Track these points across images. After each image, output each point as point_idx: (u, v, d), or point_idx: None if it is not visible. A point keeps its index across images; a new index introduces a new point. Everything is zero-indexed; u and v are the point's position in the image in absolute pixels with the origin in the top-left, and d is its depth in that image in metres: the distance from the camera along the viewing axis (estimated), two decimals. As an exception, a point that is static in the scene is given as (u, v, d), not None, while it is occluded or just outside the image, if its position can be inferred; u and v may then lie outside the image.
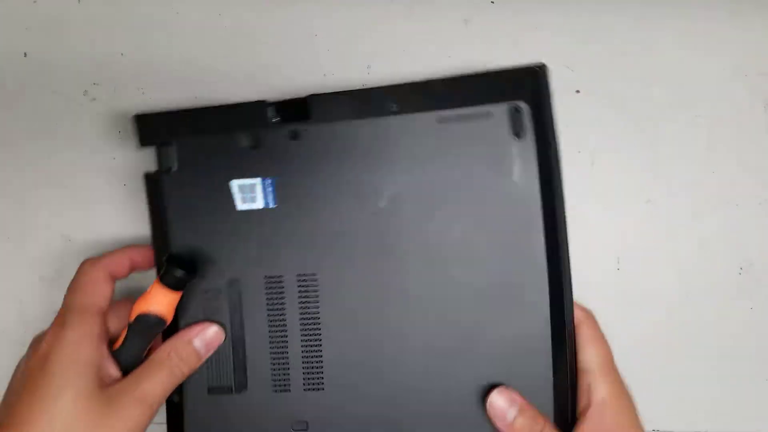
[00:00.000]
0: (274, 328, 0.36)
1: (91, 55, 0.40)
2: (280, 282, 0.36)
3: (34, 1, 0.41)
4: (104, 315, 0.34)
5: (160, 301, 0.34)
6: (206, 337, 0.35)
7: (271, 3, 0.41)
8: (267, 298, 0.36)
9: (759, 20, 0.43)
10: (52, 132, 0.40)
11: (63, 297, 0.35)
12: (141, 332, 0.34)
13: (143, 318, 0.33)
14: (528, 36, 0.41)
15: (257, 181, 0.36)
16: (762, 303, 0.39)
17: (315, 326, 0.36)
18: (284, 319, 0.36)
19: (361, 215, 0.36)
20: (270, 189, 0.36)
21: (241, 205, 0.36)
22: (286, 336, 0.36)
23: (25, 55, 0.41)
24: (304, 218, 0.36)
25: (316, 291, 0.36)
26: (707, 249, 0.39)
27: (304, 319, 0.36)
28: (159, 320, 0.34)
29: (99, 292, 0.34)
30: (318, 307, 0.36)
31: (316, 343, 0.36)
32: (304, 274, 0.36)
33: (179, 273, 0.34)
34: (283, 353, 0.36)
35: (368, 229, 0.36)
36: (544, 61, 0.35)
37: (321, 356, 0.36)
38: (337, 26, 0.41)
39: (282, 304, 0.36)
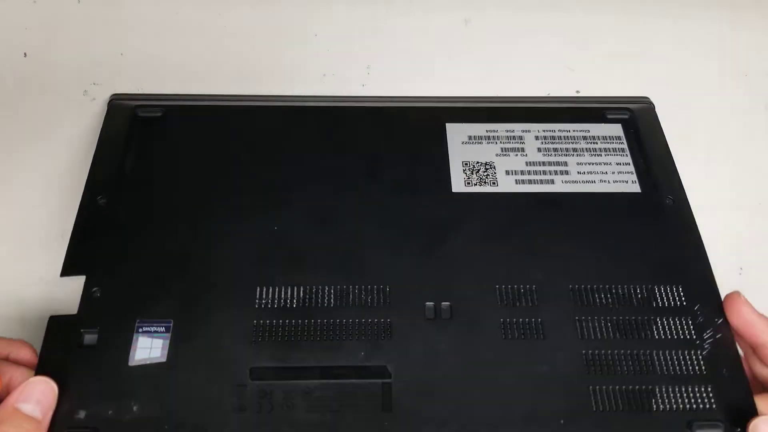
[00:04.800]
0: None
1: (91, 55, 0.40)
2: None
3: (34, 1, 0.41)
4: None
5: None
6: (34, 394, 0.28)
7: (272, 3, 0.41)
8: None
9: (759, 20, 0.43)
10: (51, 132, 0.40)
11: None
12: None
13: None
14: (528, 36, 0.41)
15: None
16: (762, 303, 0.39)
17: None
18: None
19: None
20: None
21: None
22: None
23: (25, 55, 0.41)
24: None
25: None
26: (707, 249, 0.39)
27: None
28: None
29: None
30: None
31: None
32: None
33: None
34: None
35: None
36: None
37: None
38: (337, 26, 0.41)
39: None
